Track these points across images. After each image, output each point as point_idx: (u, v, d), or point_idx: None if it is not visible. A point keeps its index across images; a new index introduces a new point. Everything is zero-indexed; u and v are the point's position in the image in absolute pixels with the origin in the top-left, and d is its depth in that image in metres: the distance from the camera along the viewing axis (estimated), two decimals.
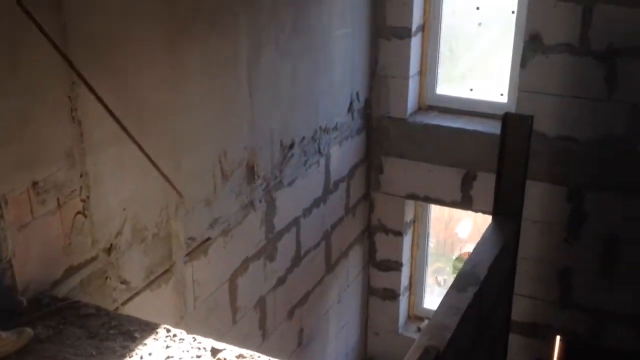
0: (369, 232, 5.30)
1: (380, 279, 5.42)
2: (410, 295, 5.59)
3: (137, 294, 2.98)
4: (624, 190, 4.44)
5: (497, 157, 3.55)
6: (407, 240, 5.33)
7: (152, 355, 2.26)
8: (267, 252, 3.95)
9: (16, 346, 2.22)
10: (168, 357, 2.25)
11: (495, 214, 3.62)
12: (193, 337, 2.35)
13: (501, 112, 4.27)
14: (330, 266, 4.79)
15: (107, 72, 2.62)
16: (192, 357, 2.26)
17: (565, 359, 4.93)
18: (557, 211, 4.67)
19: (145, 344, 2.31)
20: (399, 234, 5.25)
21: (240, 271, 3.72)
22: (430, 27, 4.86)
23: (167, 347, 2.30)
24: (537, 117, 3.97)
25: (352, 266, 5.13)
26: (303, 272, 4.40)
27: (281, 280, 4.16)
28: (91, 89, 2.49)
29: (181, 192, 3.01)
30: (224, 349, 2.27)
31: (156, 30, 2.83)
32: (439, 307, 2.89)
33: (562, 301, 4.87)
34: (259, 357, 2.25)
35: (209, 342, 2.32)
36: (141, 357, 2.25)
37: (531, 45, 4.39)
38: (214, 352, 2.27)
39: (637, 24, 4.06)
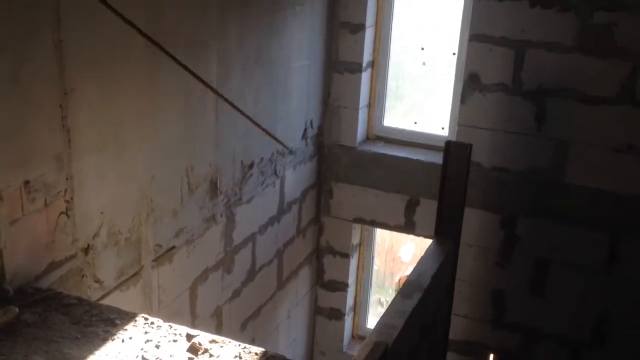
0: (318, 254, 5.60)
1: (327, 299, 5.71)
2: (354, 315, 5.89)
3: (108, 293, 3.19)
4: (552, 217, 4.88)
5: (440, 181, 3.92)
6: (353, 262, 5.66)
7: (132, 339, 2.50)
8: (225, 264, 4.21)
9: (4, 319, 2.43)
10: (147, 341, 2.49)
11: (437, 232, 3.98)
12: (169, 325, 2.59)
13: (442, 144, 4.69)
14: (282, 283, 5.06)
15: (97, 81, 2.88)
16: (169, 341, 2.50)
17: None
18: (490, 236, 5.07)
19: (126, 330, 2.55)
20: (346, 256, 5.57)
21: (200, 280, 3.96)
22: (379, 63, 5.28)
23: (146, 332, 2.54)
24: (473, 149, 4.32)
25: (301, 285, 5.41)
26: (257, 287, 4.66)
27: (237, 293, 4.41)
28: None
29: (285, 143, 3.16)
30: (198, 335, 2.53)
31: (140, 47, 3.12)
32: (386, 310, 3.21)
33: (495, 321, 5.26)
34: (229, 342, 2.52)
35: (184, 329, 2.57)
36: (123, 341, 2.48)
37: (470, 84, 4.84)
38: (189, 337, 2.52)
39: (564, 68, 4.56)
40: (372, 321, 5.96)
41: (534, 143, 4.77)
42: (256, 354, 2.45)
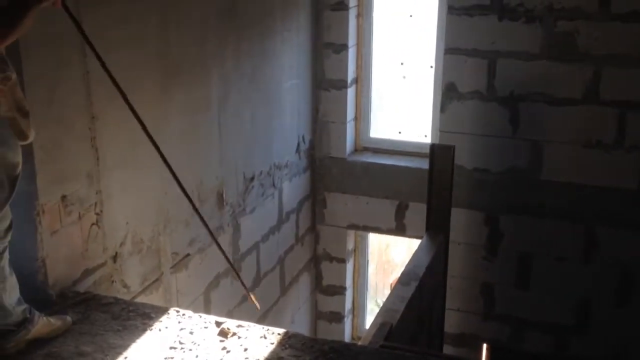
0: (316, 260, 5.94)
1: (327, 303, 6.04)
2: (353, 317, 6.22)
3: (135, 297, 3.51)
4: (531, 212, 5.27)
5: (428, 181, 4.29)
6: (349, 267, 6.00)
7: (168, 328, 2.82)
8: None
9: (62, 330, 2.74)
10: (181, 329, 2.82)
11: (428, 229, 4.34)
12: (199, 315, 2.92)
13: (426, 151, 5.08)
14: (284, 289, 5.39)
15: (117, 106, 3.20)
16: (200, 328, 2.83)
17: None
18: (477, 233, 5.44)
19: (161, 321, 2.87)
20: (342, 261, 5.91)
21: (212, 286, 4.28)
22: (363, 79, 5.67)
23: (179, 322, 2.87)
24: (456, 153, 4.73)
25: (302, 290, 5.74)
26: (262, 292, 4.97)
27: (245, 298, 4.72)
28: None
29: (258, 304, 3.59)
30: (226, 321, 2.86)
31: (154, 77, 3.47)
32: (388, 297, 3.55)
33: (486, 313, 5.61)
34: (254, 325, 2.85)
35: (213, 318, 2.90)
36: (160, 330, 2.81)
37: (448, 94, 5.24)
38: (218, 324, 2.85)
39: (532, 74, 4.97)
40: (370, 321, 6.27)
41: (510, 145, 5.16)
42: (279, 334, 2.79)
